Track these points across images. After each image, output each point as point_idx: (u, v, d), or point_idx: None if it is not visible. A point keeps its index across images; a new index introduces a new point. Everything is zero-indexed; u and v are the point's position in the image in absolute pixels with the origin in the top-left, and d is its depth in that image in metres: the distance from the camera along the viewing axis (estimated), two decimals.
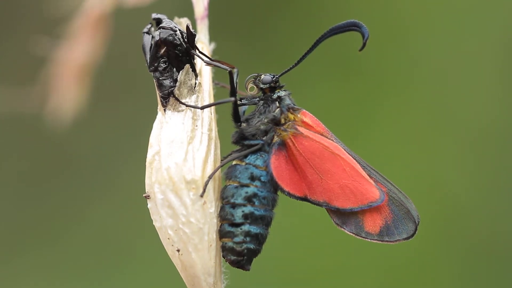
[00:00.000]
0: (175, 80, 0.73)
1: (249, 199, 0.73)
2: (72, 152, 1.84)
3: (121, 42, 1.34)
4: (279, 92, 0.76)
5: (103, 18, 1.04)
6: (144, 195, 0.72)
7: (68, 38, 1.05)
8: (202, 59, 0.74)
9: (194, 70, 0.74)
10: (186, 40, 0.73)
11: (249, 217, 0.72)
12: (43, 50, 1.05)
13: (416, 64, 1.78)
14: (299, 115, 0.75)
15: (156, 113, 0.73)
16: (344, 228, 0.74)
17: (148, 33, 0.73)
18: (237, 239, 0.72)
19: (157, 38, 0.73)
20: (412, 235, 0.74)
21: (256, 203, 0.73)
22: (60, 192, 1.81)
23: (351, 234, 0.74)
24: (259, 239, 0.73)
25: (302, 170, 0.74)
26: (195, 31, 0.75)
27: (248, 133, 0.75)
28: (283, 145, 0.74)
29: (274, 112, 0.75)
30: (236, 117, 0.75)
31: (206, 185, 0.70)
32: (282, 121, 0.75)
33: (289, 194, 0.74)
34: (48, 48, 1.06)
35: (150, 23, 0.74)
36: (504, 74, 1.75)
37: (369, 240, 0.74)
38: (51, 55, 1.06)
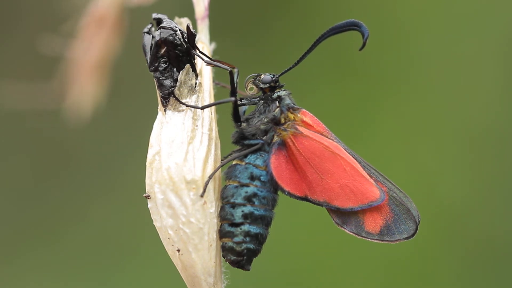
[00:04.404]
0: (176, 80, 0.73)
1: (249, 199, 0.72)
2: (72, 152, 1.84)
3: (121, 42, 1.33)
4: (279, 91, 0.76)
5: (116, 16, 1.04)
6: (144, 195, 0.72)
7: (78, 36, 1.05)
8: (203, 59, 0.74)
9: (194, 70, 0.74)
10: (186, 40, 0.73)
11: (248, 217, 0.72)
12: (53, 48, 1.05)
13: (415, 64, 1.78)
14: (299, 115, 0.75)
15: (156, 113, 0.73)
16: (345, 228, 0.74)
17: (148, 33, 0.73)
18: (236, 239, 0.72)
19: (157, 38, 0.73)
20: (413, 235, 0.74)
21: (256, 203, 0.73)
22: (60, 191, 1.81)
23: (352, 233, 0.74)
24: (259, 239, 0.73)
25: (302, 169, 0.73)
26: (196, 31, 0.75)
27: (248, 133, 0.75)
28: (283, 144, 0.74)
29: (274, 111, 0.75)
30: (236, 117, 0.75)
31: (206, 185, 0.70)
32: (282, 120, 0.75)
33: (289, 194, 0.74)
34: (59, 46, 1.06)
35: (151, 23, 0.74)
36: (504, 75, 1.75)
37: (369, 239, 0.74)
38: (65, 53, 1.06)
